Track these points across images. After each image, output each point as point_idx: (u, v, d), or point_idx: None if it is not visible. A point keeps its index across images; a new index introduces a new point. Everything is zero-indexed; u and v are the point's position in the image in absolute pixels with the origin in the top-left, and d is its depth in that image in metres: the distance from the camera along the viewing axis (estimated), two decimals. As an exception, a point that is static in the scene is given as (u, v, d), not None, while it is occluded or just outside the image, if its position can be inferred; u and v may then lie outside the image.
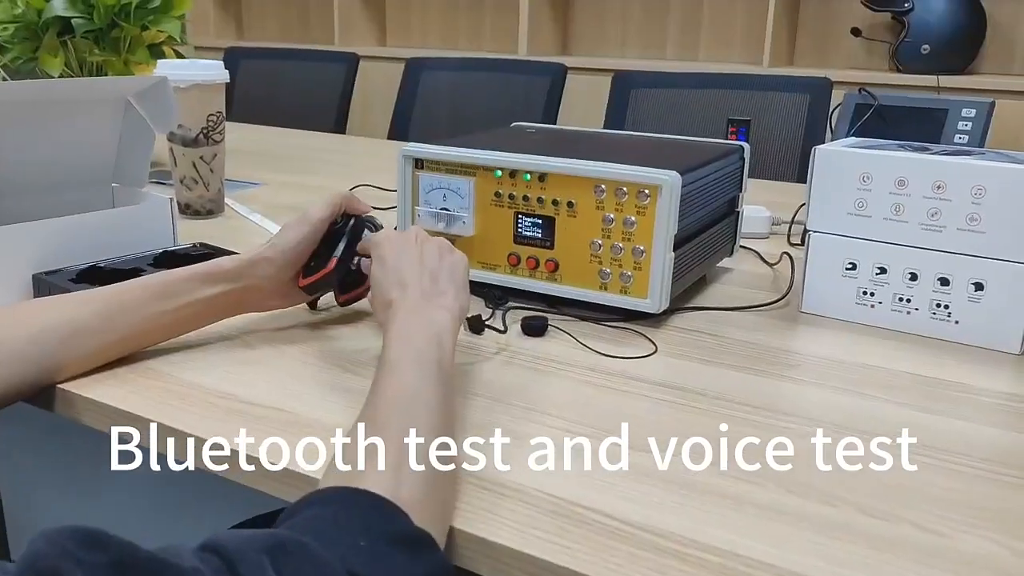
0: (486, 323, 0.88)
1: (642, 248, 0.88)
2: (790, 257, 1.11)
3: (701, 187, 0.94)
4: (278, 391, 0.73)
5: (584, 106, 2.96)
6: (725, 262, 1.12)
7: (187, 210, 1.29)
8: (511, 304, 0.94)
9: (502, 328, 0.88)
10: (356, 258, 0.84)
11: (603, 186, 0.88)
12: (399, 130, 2.36)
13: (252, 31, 4.05)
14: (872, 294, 0.91)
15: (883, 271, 0.90)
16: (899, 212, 0.88)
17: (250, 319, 0.87)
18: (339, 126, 2.48)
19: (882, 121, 1.23)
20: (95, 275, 0.93)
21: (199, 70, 1.23)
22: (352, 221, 0.85)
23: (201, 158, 1.26)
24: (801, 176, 1.86)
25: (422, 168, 0.98)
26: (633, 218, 0.87)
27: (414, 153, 0.97)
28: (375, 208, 1.41)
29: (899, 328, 0.90)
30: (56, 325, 0.73)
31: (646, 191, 0.86)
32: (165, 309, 0.77)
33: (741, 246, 1.17)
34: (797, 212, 1.29)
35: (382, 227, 0.87)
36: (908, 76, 2.62)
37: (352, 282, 0.87)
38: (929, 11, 2.63)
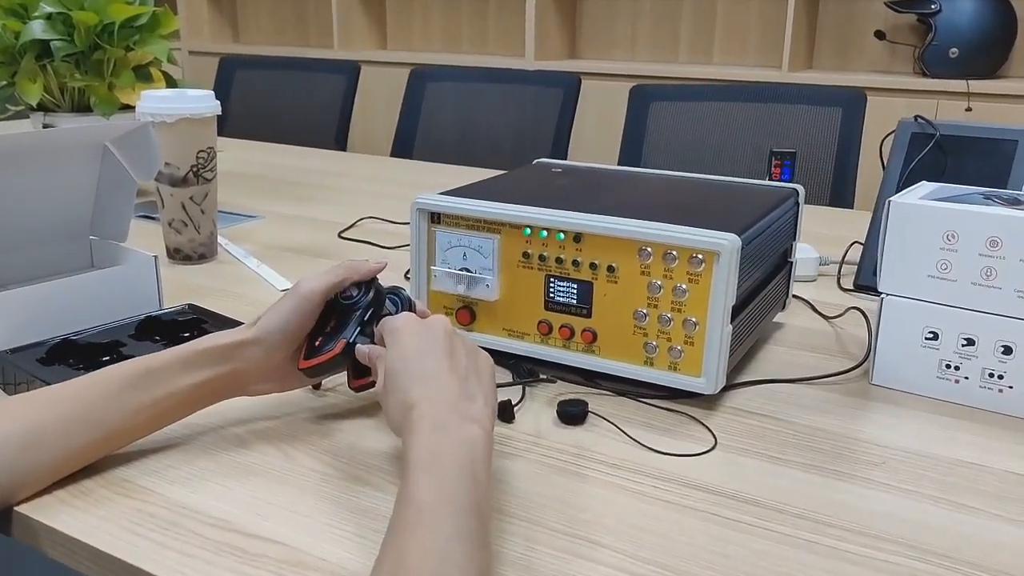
0: (516, 407, 0.77)
1: (695, 320, 0.76)
2: (863, 314, 1.00)
3: (759, 246, 0.82)
4: (278, 514, 0.61)
5: (597, 114, 2.84)
6: (777, 316, 1.00)
7: (176, 255, 1.18)
8: (542, 377, 0.82)
9: (533, 416, 0.76)
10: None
11: (649, 249, 0.76)
12: (402, 147, 2.24)
13: (248, 34, 3.92)
14: (957, 368, 0.79)
15: (970, 343, 0.78)
16: (990, 276, 0.76)
17: (243, 404, 0.75)
18: (340, 139, 2.36)
19: (941, 153, 1.11)
20: (68, 351, 0.82)
21: (187, 102, 1.12)
22: (371, 294, 0.73)
23: (191, 199, 1.15)
24: (836, 200, 1.74)
25: (439, 223, 0.86)
26: (684, 286, 0.76)
27: (429, 207, 0.85)
28: (380, 247, 1.31)
29: (989, 407, 0.78)
30: (10, 435, 0.61)
31: (700, 256, 0.75)
32: (141, 402, 0.66)
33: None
34: (848, 251, 1.17)
35: (408, 299, 0.75)
36: (935, 81, 2.50)
37: (322, 343, 0.73)
38: (957, 12, 2.51)
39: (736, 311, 0.79)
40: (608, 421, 0.75)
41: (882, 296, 0.82)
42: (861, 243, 1.16)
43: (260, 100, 2.52)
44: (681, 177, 1.00)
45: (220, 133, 2.46)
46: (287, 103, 2.48)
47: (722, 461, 0.70)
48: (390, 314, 0.74)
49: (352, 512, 0.62)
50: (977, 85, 2.44)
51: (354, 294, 0.73)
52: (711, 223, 0.77)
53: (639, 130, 1.94)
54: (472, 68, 2.30)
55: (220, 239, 1.26)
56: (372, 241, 1.30)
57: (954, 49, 2.51)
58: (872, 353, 0.83)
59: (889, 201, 0.80)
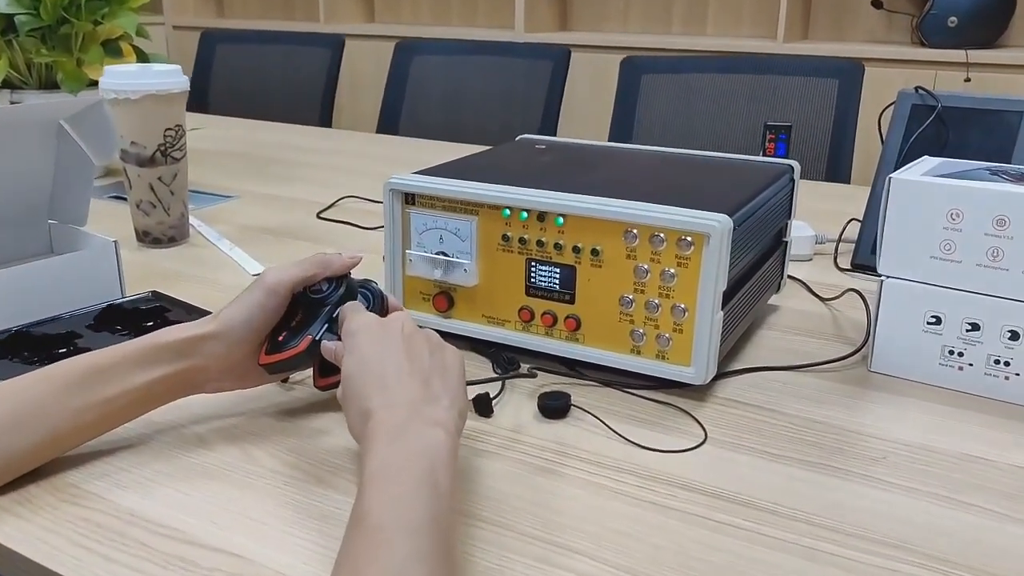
0: (494, 400, 0.73)
1: (684, 307, 0.72)
2: (861, 297, 0.95)
3: (752, 226, 0.78)
4: (235, 522, 0.57)
5: (589, 88, 2.78)
6: (771, 298, 0.96)
7: (145, 238, 1.13)
8: (522, 371, 0.78)
9: (513, 409, 0.72)
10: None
11: (635, 231, 0.72)
12: (388, 122, 2.19)
13: (233, 8, 3.84)
14: (961, 354, 0.75)
15: (975, 327, 0.74)
16: (997, 258, 0.72)
17: (206, 399, 0.71)
18: (325, 115, 2.30)
19: (943, 126, 1.06)
20: (21, 343, 0.78)
21: (153, 78, 1.06)
22: (342, 289, 0.69)
23: (159, 179, 1.10)
24: (832, 174, 1.69)
25: (413, 204, 0.81)
26: (673, 270, 0.71)
27: (403, 187, 0.81)
28: (360, 228, 1.26)
29: (995, 396, 0.74)
30: None
31: (688, 238, 0.70)
32: (91, 401, 0.62)
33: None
34: (845, 228, 1.13)
35: (380, 294, 0.71)
36: (933, 51, 2.44)
37: (286, 337, 0.68)
38: (956, -20, 2.44)
39: (728, 296, 0.74)
40: (591, 415, 0.70)
41: (882, 279, 0.77)
42: (859, 220, 1.11)
43: (242, 76, 2.46)
44: (670, 153, 0.96)
45: (200, 110, 2.40)
46: (270, 78, 2.42)
47: (712, 457, 0.65)
48: (319, 289, 0.69)
49: (315, 519, 0.57)
50: (976, 55, 2.38)
51: (324, 288, 0.68)
52: (701, 203, 0.72)
53: (630, 104, 1.89)
54: (459, 41, 2.24)
55: (192, 221, 1.21)
56: (352, 221, 1.25)
57: (953, 18, 2.45)
58: (871, 338, 0.79)
59: (890, 178, 0.76)
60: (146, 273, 1.03)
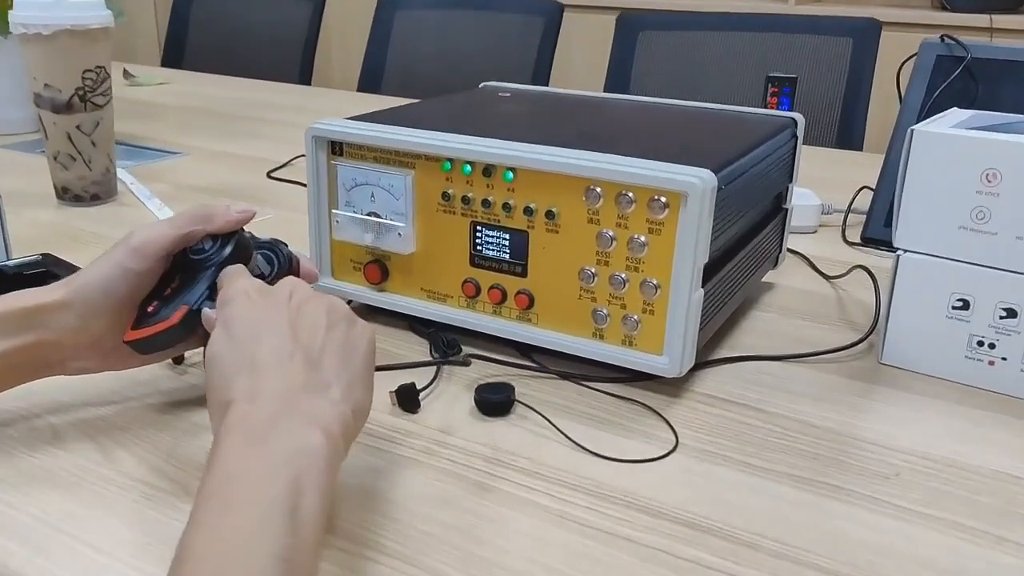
0: (422, 392, 0.60)
1: (656, 283, 0.59)
2: (870, 275, 0.82)
3: (742, 187, 0.64)
4: (67, 550, 0.45)
5: (584, 52, 2.63)
6: (767, 275, 0.83)
7: (65, 195, 1.00)
8: (466, 355, 0.65)
9: (447, 403, 0.59)
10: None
11: (598, 189, 0.59)
12: (370, 81, 2.05)
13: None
14: (992, 346, 0.62)
15: (1011, 314, 0.61)
16: (1042, 229, 0.58)
17: (75, 383, 0.58)
18: (305, 72, 2.16)
19: (971, 80, 0.93)
20: None
21: (69, 10, 0.93)
22: (229, 248, 0.56)
23: (78, 128, 0.97)
24: (843, 142, 1.55)
25: (341, 155, 0.68)
26: (643, 238, 0.58)
27: (328, 133, 0.68)
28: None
29: (1032, 398, 0.61)
30: None
31: (662, 199, 0.57)
32: None
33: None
34: (856, 197, 0.99)
35: (289, 256, 0.58)
36: (955, 15, 2.28)
37: (157, 308, 0.55)
38: (983, -61, 2.28)
39: (710, 271, 0.61)
40: (538, 412, 0.58)
41: (898, 253, 0.64)
42: (871, 189, 0.98)
43: (221, 30, 2.32)
44: (655, 103, 0.82)
45: (175, 65, 2.27)
46: (250, 33, 2.27)
47: (682, 470, 0.53)
48: (262, 276, 0.56)
49: (170, 544, 0.45)
50: (1001, 20, 2.23)
51: (206, 247, 0.55)
52: (680, 157, 0.59)
53: (626, 64, 1.75)
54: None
55: (124, 177, 1.08)
56: (303, 181, 1.12)
57: (979, -21, 2.29)
58: (882, 325, 0.66)
59: (912, 130, 0.62)
60: (57, 234, 0.91)
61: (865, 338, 0.69)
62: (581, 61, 2.66)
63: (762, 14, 1.71)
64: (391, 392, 0.58)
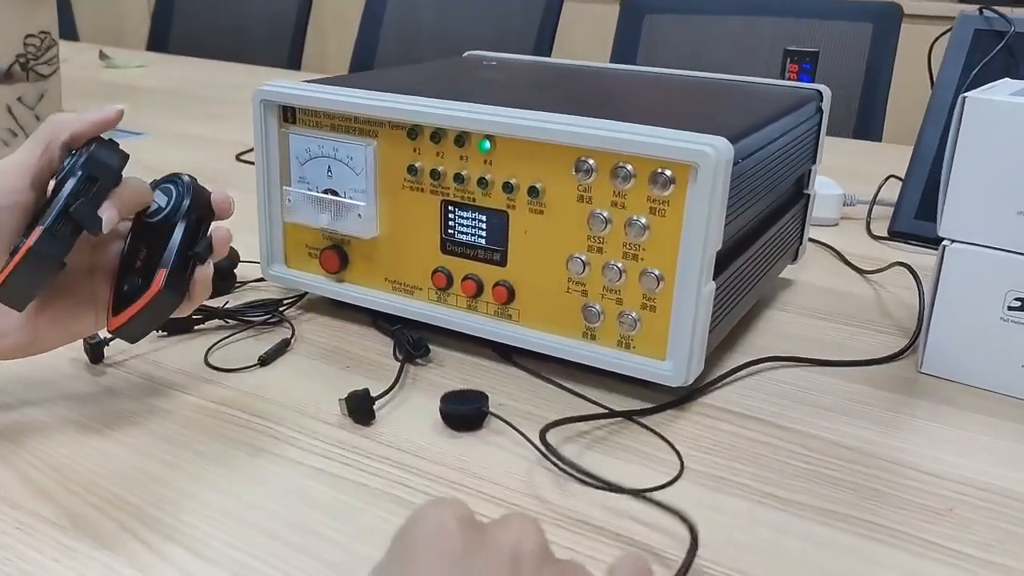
0: (378, 400, 0.50)
1: (658, 274, 0.49)
2: (911, 272, 0.72)
3: (761, 164, 0.55)
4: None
5: (585, 42, 2.54)
6: (785, 270, 0.73)
7: (6, 174, 0.91)
8: (432, 356, 0.56)
9: (407, 415, 0.50)
10: (101, 219, 0.43)
11: (590, 161, 0.49)
12: (360, 67, 1.95)
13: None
14: (1057, 355, 0.52)
15: (1081, 317, 0.51)
16: (1122, 215, 0.49)
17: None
18: (294, 57, 2.07)
19: (1012, 57, 0.83)
20: None
21: (10, -31, 0.84)
22: (189, 199, 0.47)
23: (19, 100, 0.87)
24: (861, 133, 1.46)
25: (293, 122, 0.59)
26: (644, 220, 0.49)
27: (278, 97, 0.58)
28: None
29: (1104, 416, 0.52)
30: None
31: (667, 172, 0.47)
32: None
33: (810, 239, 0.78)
34: (881, 187, 0.89)
35: (189, 187, 0.47)
36: (979, 6, 2.18)
37: (133, 284, 0.46)
38: (1005, -72, 2.18)
39: (723, 261, 0.52)
40: (514, 428, 0.48)
41: (944, 244, 0.55)
42: (899, 178, 0.88)
43: (206, 15, 2.22)
44: (662, 73, 0.73)
45: (160, 50, 2.17)
46: (236, 18, 2.18)
47: (688, 502, 0.43)
48: (159, 209, 0.47)
49: (35, 592, 0.35)
50: (1024, 12, 2.12)
51: (162, 205, 0.47)
52: (689, 124, 0.49)
53: (631, 49, 1.65)
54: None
55: (76, 157, 0.99)
56: (274, 164, 1.03)
57: (999, -30, 2.19)
58: (924, 329, 0.56)
59: (964, 97, 0.53)
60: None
61: (911, 345, 0.59)
62: (582, 51, 2.57)
63: (775, -1, 1.61)
64: (341, 400, 0.49)
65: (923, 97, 0.86)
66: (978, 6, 0.89)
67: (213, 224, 0.48)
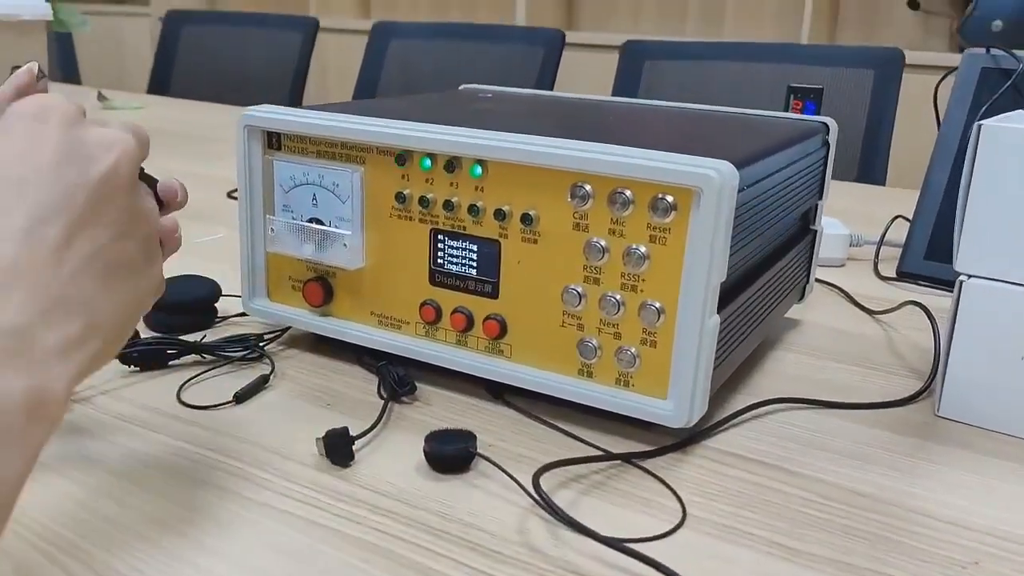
0: (357, 440, 0.47)
1: (659, 306, 0.46)
2: (925, 312, 0.69)
3: (767, 193, 0.52)
4: None
5: (587, 89, 2.54)
6: (791, 310, 0.70)
7: (-11, 207, 0.88)
8: (419, 394, 0.53)
9: (390, 455, 0.46)
10: None
11: (587, 187, 0.46)
12: (361, 109, 1.94)
13: (224, 1, 3.63)
14: (1084, 397, 0.49)
15: (1110, 356, 0.48)
16: None
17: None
18: (294, 102, 2.06)
19: (1020, 95, 0.81)
20: None
21: (-1, -1, 0.82)
22: None
23: (5, 131, 0.85)
24: (864, 175, 1.44)
25: (278, 148, 0.56)
26: (644, 248, 0.46)
27: (263, 122, 0.56)
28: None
29: None
30: None
31: (668, 198, 0.45)
32: None
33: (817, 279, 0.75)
34: (888, 228, 0.87)
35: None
36: (976, 58, 2.18)
37: None
38: (1003, -20, 2.19)
39: (728, 294, 0.49)
40: (504, 471, 0.44)
41: (960, 280, 0.52)
42: (907, 219, 0.86)
43: (207, 59, 2.23)
44: (663, 105, 0.70)
45: (162, 93, 2.17)
46: (238, 62, 2.18)
47: (691, 553, 0.40)
48: None
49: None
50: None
51: None
52: (691, 149, 0.47)
53: (630, 94, 1.64)
54: (438, 23, 2.01)
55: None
56: (266, 202, 1.00)
57: (997, 21, 2.20)
58: (941, 370, 0.53)
59: (980, 125, 0.50)
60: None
61: (927, 387, 0.56)
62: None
63: (776, 44, 1.61)
64: (318, 439, 0.45)
65: (923, 142, 0.85)
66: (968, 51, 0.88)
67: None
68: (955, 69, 0.91)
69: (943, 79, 0.92)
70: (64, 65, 2.43)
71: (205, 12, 2.37)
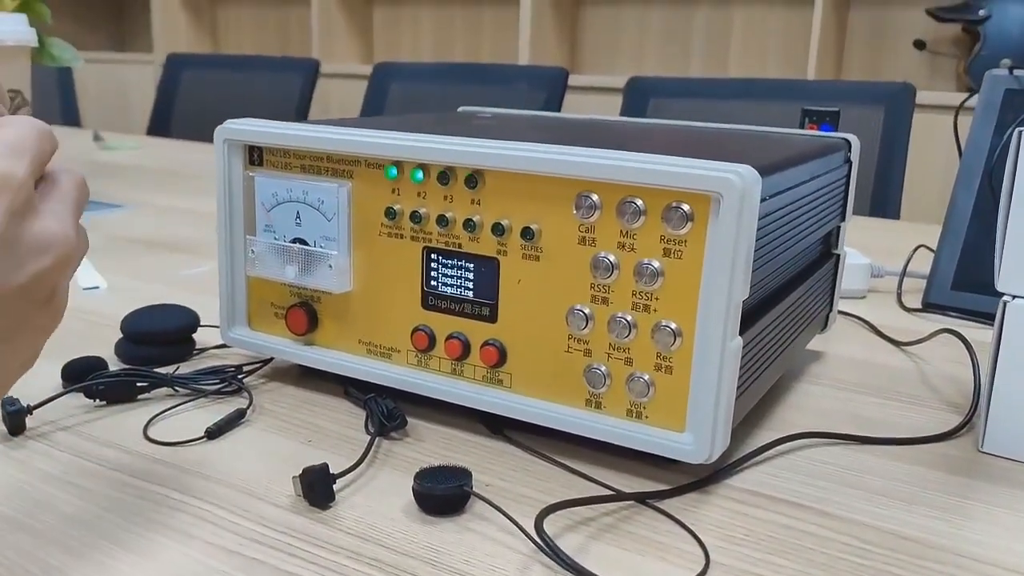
0: (338, 478, 0.42)
1: (675, 327, 0.41)
2: (962, 341, 0.65)
3: (790, 206, 0.48)
4: None
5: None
6: (812, 341, 0.65)
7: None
8: (409, 429, 0.48)
9: (378, 495, 0.41)
10: None
11: (594, 196, 0.42)
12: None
13: (228, 44, 3.65)
14: None
15: None
16: None
17: None
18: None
19: (1047, 117, 0.78)
20: None
21: (-20, 23, 0.79)
22: None
23: (-16, 160, 0.81)
24: (877, 210, 1.40)
25: (260, 164, 0.52)
26: (657, 263, 0.41)
27: (244, 135, 0.52)
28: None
29: None
30: None
31: (684, 207, 0.40)
32: None
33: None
34: (911, 259, 0.82)
35: None
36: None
37: None
38: (1009, 19, 2.18)
39: (750, 316, 0.44)
40: (504, 513, 0.39)
41: (1003, 300, 0.47)
42: (930, 249, 0.81)
43: (207, 102, 2.21)
44: (676, 123, 0.66)
45: (163, 134, 2.15)
46: (238, 104, 2.17)
47: (719, 604, 0.34)
48: None
49: None
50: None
51: None
52: (712, 155, 0.43)
53: (636, 131, 1.61)
54: (442, 64, 1.99)
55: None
56: (257, 235, 0.96)
57: (1006, 60, 2.18)
58: (984, 402, 0.48)
59: (1021, 131, 0.46)
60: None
61: (968, 421, 0.51)
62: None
63: (784, 80, 1.58)
64: (295, 477, 0.41)
65: (933, 178, 0.81)
66: (978, 94, 0.85)
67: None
68: (969, 98, 0.88)
69: (962, 105, 0.88)
70: (64, 108, 2.42)
71: (206, 55, 2.37)
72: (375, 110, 1.94)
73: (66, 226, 0.30)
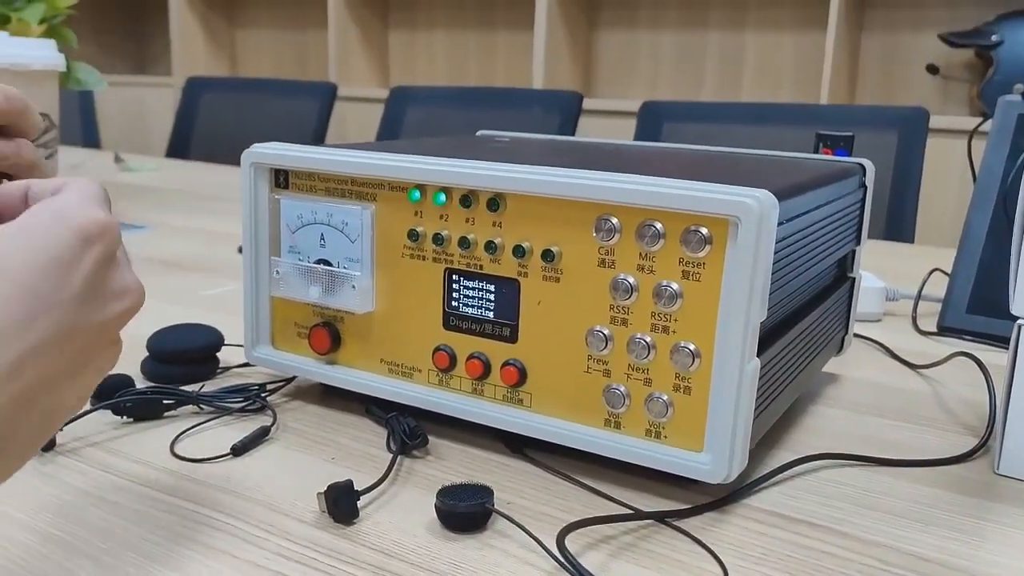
0: (362, 495, 0.43)
1: (693, 348, 0.42)
2: (978, 363, 0.65)
3: (806, 230, 0.49)
4: None
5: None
6: (828, 364, 0.65)
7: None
8: (431, 447, 0.48)
9: (402, 512, 0.42)
10: None
11: (613, 220, 0.43)
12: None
13: (246, 67, 3.70)
14: None
15: None
16: None
17: None
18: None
19: (1062, 142, 0.78)
20: None
21: (12, 47, 0.81)
22: None
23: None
24: (892, 233, 1.40)
25: (286, 187, 0.53)
26: (675, 286, 0.42)
27: (270, 159, 0.53)
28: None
29: None
30: None
31: (703, 230, 0.41)
32: None
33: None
34: (926, 282, 0.83)
35: None
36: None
37: None
38: (1022, 45, 2.19)
39: (767, 338, 0.45)
40: (525, 531, 0.40)
41: (1019, 324, 0.48)
42: (945, 272, 0.82)
43: (226, 125, 2.24)
44: (694, 147, 0.67)
45: (182, 156, 2.18)
46: (257, 127, 2.20)
47: (738, 622, 0.35)
48: None
49: None
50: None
51: None
52: (727, 180, 0.43)
53: (650, 155, 1.62)
54: (457, 88, 2.01)
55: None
56: (277, 256, 0.98)
57: (1019, 85, 2.18)
58: (1000, 424, 0.49)
59: (1036, 157, 0.47)
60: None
61: (983, 444, 0.51)
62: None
63: (798, 104, 1.59)
64: (319, 494, 0.41)
65: (946, 203, 0.81)
66: (989, 119, 0.86)
67: None
68: (982, 123, 0.89)
69: (975, 129, 0.89)
70: (85, 130, 2.46)
71: (224, 78, 2.40)
72: (392, 133, 1.96)
73: (135, 275, 0.34)
